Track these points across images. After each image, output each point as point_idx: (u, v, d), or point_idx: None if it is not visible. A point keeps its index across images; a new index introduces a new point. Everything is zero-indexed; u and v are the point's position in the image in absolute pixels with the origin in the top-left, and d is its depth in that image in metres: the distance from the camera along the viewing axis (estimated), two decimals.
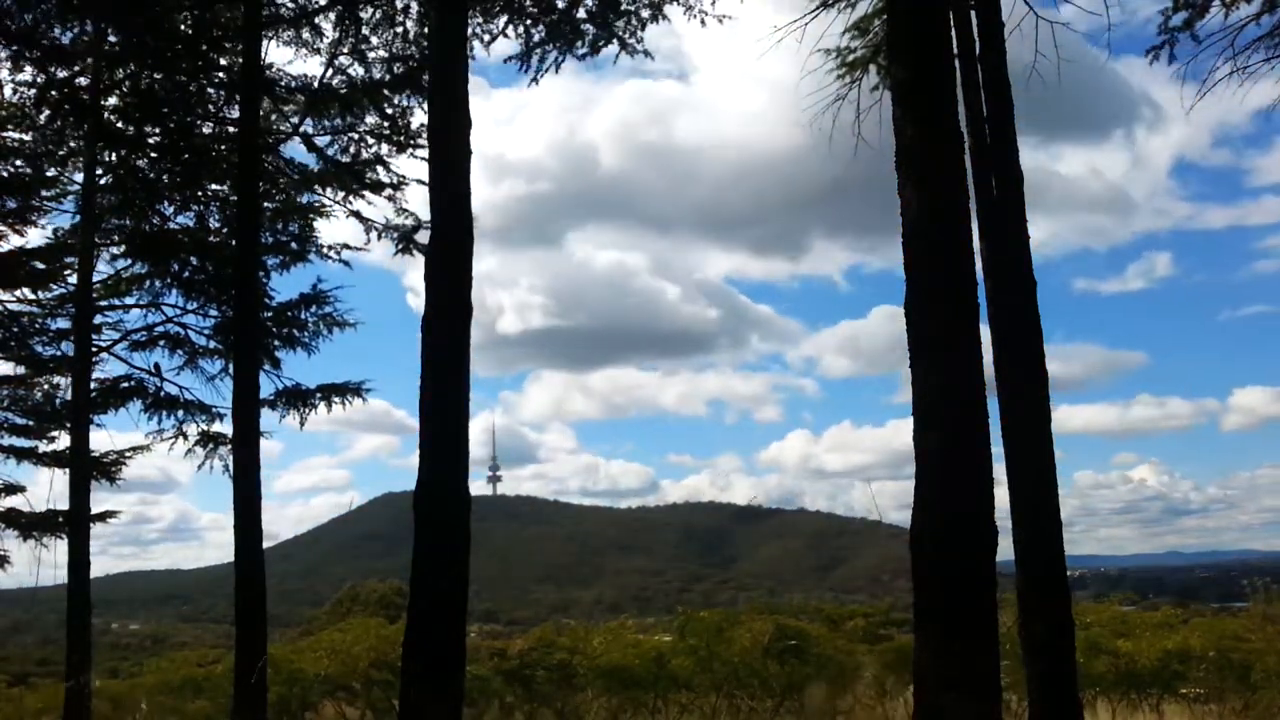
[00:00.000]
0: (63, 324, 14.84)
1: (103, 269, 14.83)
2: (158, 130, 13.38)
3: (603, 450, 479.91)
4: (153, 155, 13.65)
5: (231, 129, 12.99)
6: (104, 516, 15.00)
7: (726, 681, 15.87)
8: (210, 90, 13.16)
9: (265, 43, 12.35)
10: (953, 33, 7.51)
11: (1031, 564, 8.52)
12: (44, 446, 14.89)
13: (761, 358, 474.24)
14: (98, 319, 14.71)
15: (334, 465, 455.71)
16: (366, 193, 13.83)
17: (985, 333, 7.04)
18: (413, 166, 13.57)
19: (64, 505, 13.92)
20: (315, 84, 12.96)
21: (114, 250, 14.85)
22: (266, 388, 13.65)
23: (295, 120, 13.49)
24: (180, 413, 15.04)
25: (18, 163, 14.02)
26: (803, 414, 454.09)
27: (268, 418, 13.70)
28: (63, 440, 14.65)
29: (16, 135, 13.81)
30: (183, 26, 12.49)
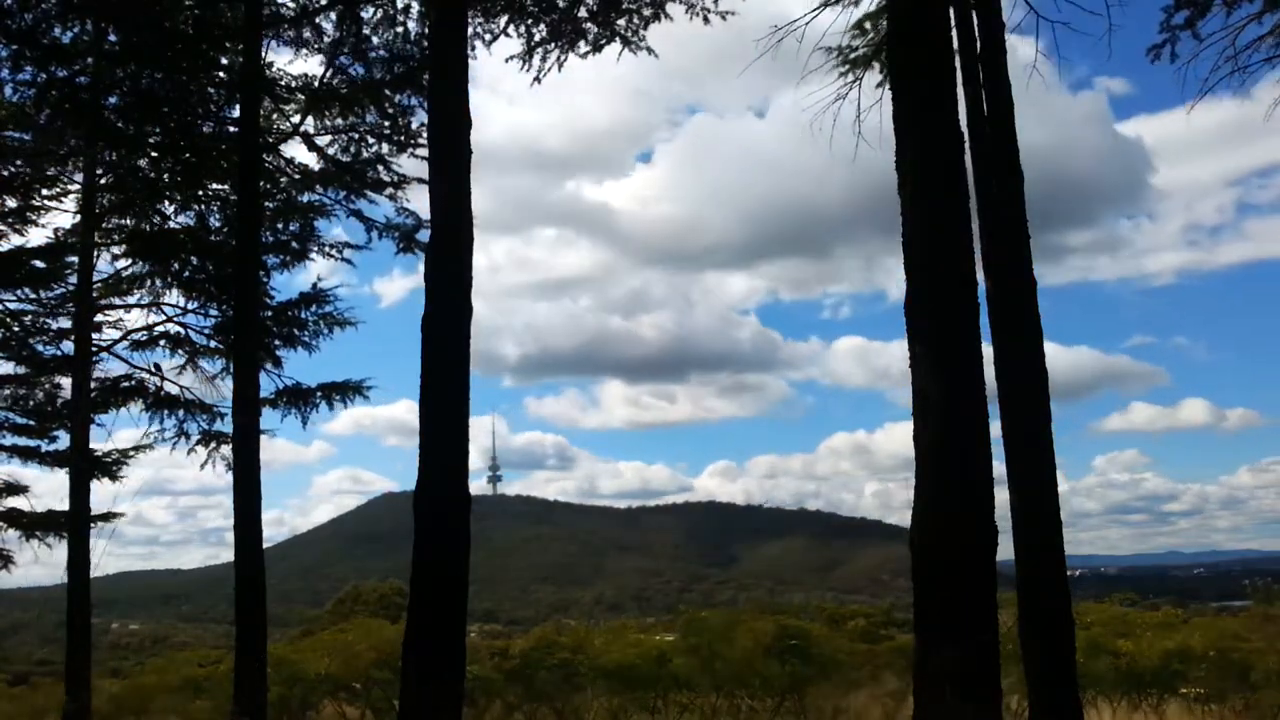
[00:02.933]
0: (63, 323, 14.81)
1: (103, 268, 14.83)
2: (158, 130, 13.36)
3: (613, 454, 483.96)
4: (153, 155, 13.64)
5: (232, 128, 12.99)
6: (106, 517, 14.99)
7: (728, 681, 15.87)
8: (211, 90, 13.15)
9: (266, 42, 12.36)
10: (953, 32, 7.51)
11: (1031, 564, 8.51)
12: (45, 446, 14.88)
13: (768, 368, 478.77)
14: (98, 318, 14.70)
15: (381, 467, 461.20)
16: (367, 192, 13.85)
17: (985, 332, 7.04)
18: (413, 165, 13.61)
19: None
20: (316, 83, 12.96)
21: (114, 250, 14.84)
22: (267, 387, 13.69)
23: (296, 120, 13.48)
24: (181, 412, 15.06)
25: (18, 162, 14.00)
26: (806, 418, 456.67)
27: (269, 417, 13.73)
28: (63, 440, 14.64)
29: (17, 135, 13.80)
30: (183, 26, 12.48)
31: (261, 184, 12.66)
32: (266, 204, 13.63)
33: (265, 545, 11.68)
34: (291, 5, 12.87)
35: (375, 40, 12.63)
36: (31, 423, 14.84)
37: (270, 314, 14.54)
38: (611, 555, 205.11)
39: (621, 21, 11.17)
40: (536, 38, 11.25)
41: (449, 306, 8.10)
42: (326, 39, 12.82)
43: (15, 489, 14.47)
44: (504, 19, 11.36)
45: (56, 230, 14.72)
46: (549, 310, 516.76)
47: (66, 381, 14.50)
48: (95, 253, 14.39)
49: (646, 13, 11.14)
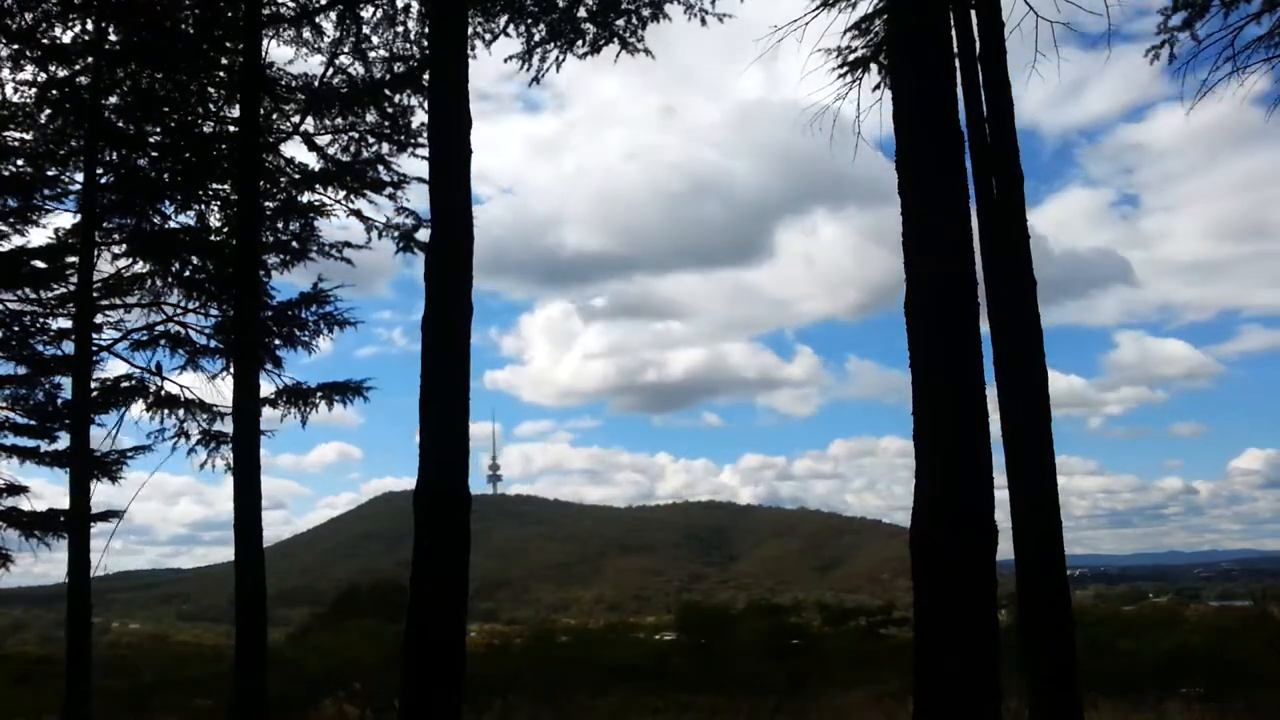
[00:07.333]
0: (64, 323, 14.79)
1: (103, 268, 14.81)
2: (158, 129, 13.39)
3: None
4: (153, 154, 13.66)
5: (232, 128, 13.00)
6: (105, 516, 14.99)
7: (729, 681, 15.89)
8: (211, 89, 13.17)
9: (266, 42, 12.39)
10: (953, 32, 7.52)
11: (1031, 564, 8.52)
12: (46, 446, 14.88)
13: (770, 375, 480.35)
14: (98, 318, 14.69)
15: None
16: (367, 191, 13.86)
17: (985, 332, 7.04)
18: (414, 165, 13.62)
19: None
20: (316, 83, 12.98)
21: (115, 250, 14.82)
22: (267, 386, 13.68)
23: (296, 119, 13.50)
24: (181, 412, 15.05)
25: (19, 162, 14.01)
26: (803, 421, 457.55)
27: (269, 416, 13.73)
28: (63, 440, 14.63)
29: (17, 135, 13.80)
30: (184, 25, 12.50)
31: (261, 184, 12.67)
32: (266, 204, 13.63)
33: (268, 544, 11.70)
34: (291, 5, 12.89)
35: (375, 40, 12.69)
36: (32, 423, 14.84)
37: (270, 314, 14.53)
38: (611, 555, 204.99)
39: (620, 22, 11.23)
40: (536, 38, 11.29)
41: (449, 306, 8.11)
42: (326, 39, 12.87)
43: (16, 489, 14.48)
44: (504, 19, 11.41)
45: (56, 230, 14.74)
46: None
47: (66, 381, 14.50)
48: (95, 253, 14.39)
49: (645, 13, 11.19)
